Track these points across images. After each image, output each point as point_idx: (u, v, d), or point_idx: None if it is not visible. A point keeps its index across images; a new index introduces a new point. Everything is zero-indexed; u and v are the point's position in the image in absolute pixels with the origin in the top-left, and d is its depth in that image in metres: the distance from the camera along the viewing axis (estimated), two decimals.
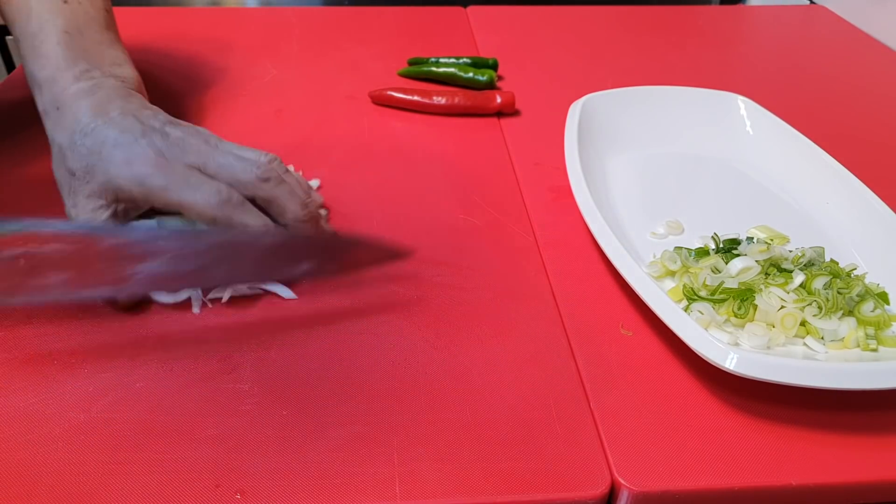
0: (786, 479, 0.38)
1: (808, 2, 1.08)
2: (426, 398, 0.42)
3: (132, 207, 0.47)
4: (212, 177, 0.46)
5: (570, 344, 0.46)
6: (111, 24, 0.55)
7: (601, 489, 0.38)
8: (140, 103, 0.50)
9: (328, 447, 0.39)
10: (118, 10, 0.92)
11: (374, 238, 0.51)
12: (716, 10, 1.06)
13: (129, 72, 0.53)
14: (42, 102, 0.50)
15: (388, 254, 0.50)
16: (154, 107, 0.51)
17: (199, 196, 0.45)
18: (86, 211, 0.46)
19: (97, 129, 0.47)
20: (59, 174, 0.48)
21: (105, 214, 0.47)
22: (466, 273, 0.52)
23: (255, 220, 0.46)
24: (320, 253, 0.47)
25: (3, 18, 0.54)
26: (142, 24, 0.90)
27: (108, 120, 0.47)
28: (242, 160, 0.47)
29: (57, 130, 0.48)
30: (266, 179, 0.47)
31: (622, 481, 0.38)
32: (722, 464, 0.39)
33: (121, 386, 0.42)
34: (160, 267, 0.42)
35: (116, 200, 0.47)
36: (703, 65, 0.86)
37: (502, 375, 0.44)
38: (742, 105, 0.66)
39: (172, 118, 0.50)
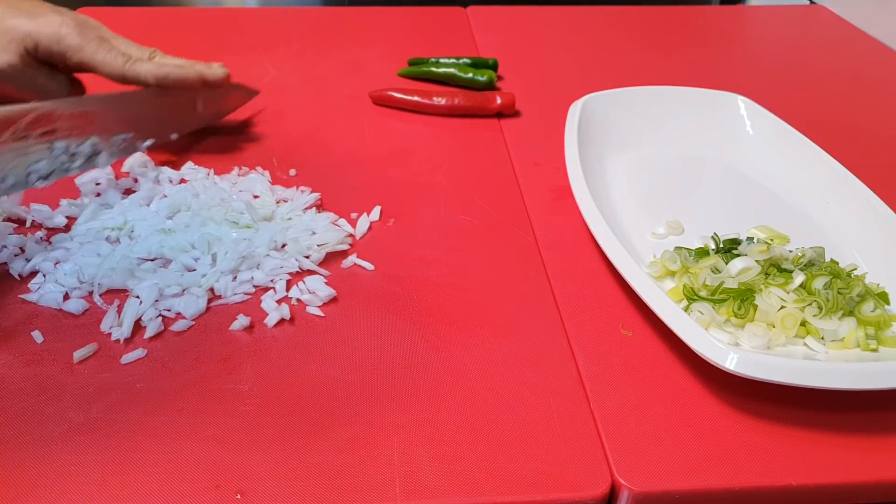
0: (786, 479, 0.38)
1: (808, 2, 1.08)
2: (426, 398, 0.42)
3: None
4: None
5: (570, 344, 0.46)
6: None
7: (601, 489, 0.38)
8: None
9: (328, 447, 0.39)
10: (115, 10, 0.93)
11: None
12: (716, 10, 1.06)
13: None
14: None
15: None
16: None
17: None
18: None
19: None
20: None
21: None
22: (466, 273, 0.52)
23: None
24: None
25: None
26: (142, 24, 0.90)
27: None
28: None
29: None
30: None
31: (622, 481, 0.38)
32: (722, 464, 0.39)
33: (121, 386, 0.42)
34: None
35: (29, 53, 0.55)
36: (703, 65, 0.86)
37: (502, 376, 0.44)
38: (742, 105, 0.66)
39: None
